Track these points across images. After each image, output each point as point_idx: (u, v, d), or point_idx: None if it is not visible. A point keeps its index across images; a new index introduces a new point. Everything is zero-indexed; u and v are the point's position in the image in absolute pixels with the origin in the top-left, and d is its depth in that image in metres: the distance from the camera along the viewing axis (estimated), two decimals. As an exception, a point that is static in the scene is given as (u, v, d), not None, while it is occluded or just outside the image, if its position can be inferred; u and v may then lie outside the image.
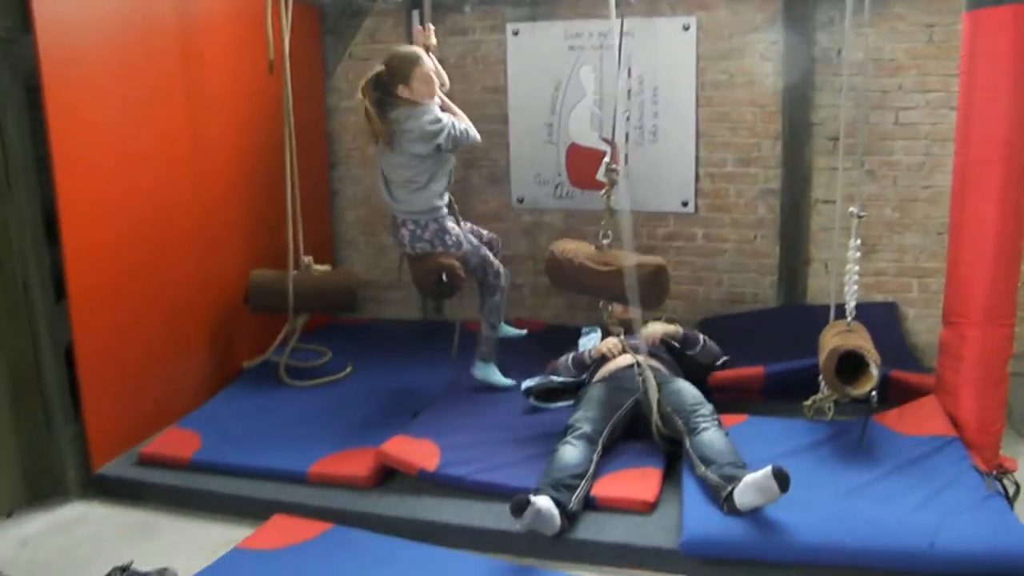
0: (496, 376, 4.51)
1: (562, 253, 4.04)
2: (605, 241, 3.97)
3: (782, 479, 3.05)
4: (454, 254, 4.26)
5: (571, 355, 4.32)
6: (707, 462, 3.37)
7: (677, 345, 4.36)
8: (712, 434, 3.52)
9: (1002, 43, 3.35)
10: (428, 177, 4.14)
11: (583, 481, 3.39)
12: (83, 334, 3.79)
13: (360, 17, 5.59)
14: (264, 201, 4.90)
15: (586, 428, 3.62)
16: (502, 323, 4.54)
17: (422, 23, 4.63)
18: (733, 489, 3.17)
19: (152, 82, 4.18)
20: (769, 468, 3.08)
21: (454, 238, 4.25)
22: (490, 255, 4.39)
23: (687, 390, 3.84)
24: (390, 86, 4.08)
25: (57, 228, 3.68)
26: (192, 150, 4.46)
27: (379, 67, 4.11)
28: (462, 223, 4.46)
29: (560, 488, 3.30)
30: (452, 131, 4.10)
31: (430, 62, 4.14)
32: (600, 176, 4.09)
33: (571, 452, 3.49)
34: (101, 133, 3.87)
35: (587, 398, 3.87)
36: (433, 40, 4.40)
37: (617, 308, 4.41)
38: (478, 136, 4.28)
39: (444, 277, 4.19)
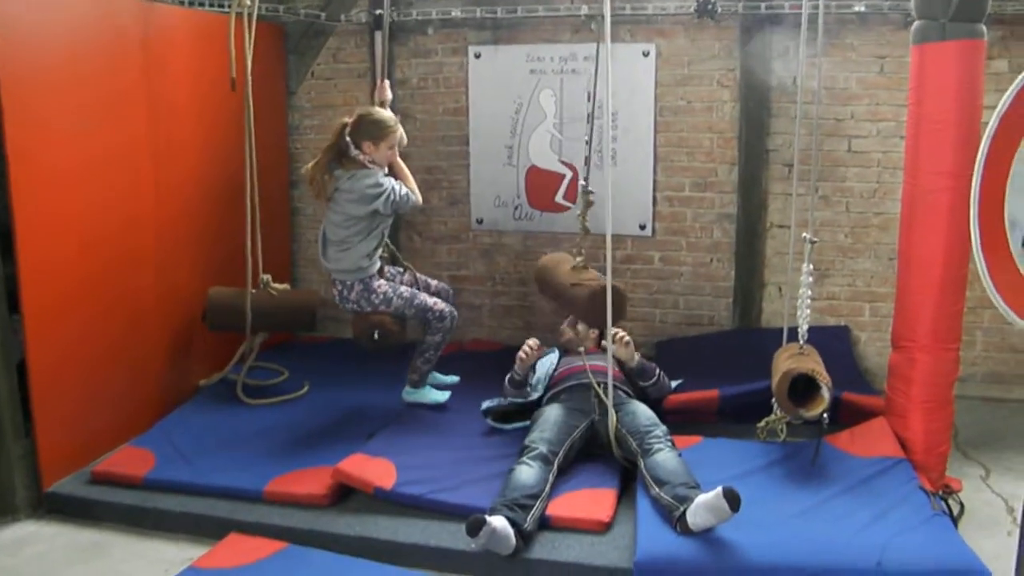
0: (428, 396, 4.52)
1: (550, 259, 4.33)
2: (579, 259, 4.10)
3: (732, 499, 3.10)
4: (385, 312, 4.31)
5: (507, 377, 4.33)
6: (660, 483, 3.41)
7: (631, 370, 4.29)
8: (665, 455, 3.56)
9: (947, 76, 3.46)
10: (359, 238, 4.18)
11: (538, 501, 3.41)
12: (36, 348, 3.74)
13: (323, 37, 5.61)
14: (224, 218, 4.88)
15: (542, 448, 3.64)
16: (428, 388, 4.54)
17: (384, 48, 4.70)
18: (685, 510, 3.21)
19: (113, 95, 4.16)
20: (720, 489, 3.13)
21: (380, 296, 4.28)
22: (429, 300, 4.37)
23: (641, 412, 3.88)
24: (354, 141, 4.10)
25: (12, 240, 3.64)
26: (152, 164, 4.44)
27: (346, 119, 4.17)
28: (405, 276, 4.53)
29: (515, 508, 3.32)
30: (392, 196, 4.14)
31: (402, 135, 4.23)
32: (579, 199, 4.18)
33: (527, 472, 3.51)
34: (60, 145, 3.85)
35: (543, 419, 3.89)
36: (388, 95, 4.48)
37: (566, 330, 4.48)
38: (419, 199, 4.32)
39: (376, 335, 4.28)
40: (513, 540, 3.21)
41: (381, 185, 4.11)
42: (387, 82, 4.53)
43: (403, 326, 4.42)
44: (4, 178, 3.59)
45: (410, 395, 4.52)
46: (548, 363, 4.43)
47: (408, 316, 4.40)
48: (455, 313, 4.44)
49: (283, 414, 4.57)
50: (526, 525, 3.29)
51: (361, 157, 4.11)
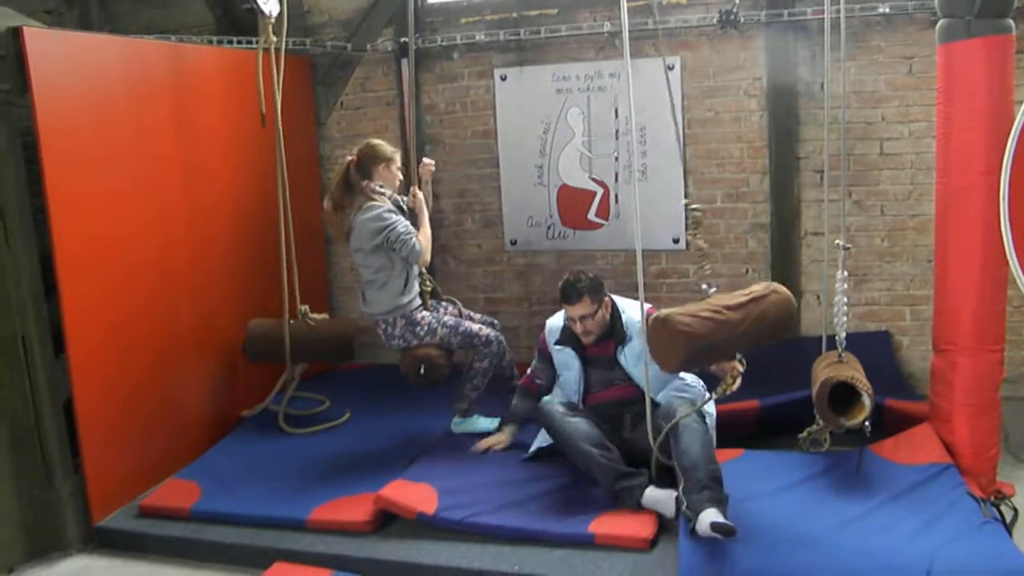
0: (477, 425, 4.49)
1: (681, 324, 3.32)
2: (712, 290, 3.61)
3: (722, 531, 3.15)
4: (431, 343, 4.35)
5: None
6: (685, 473, 3.42)
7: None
8: (689, 437, 3.51)
9: (976, 74, 3.42)
10: (386, 276, 4.25)
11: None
12: (82, 387, 3.82)
13: (350, 67, 5.69)
14: (260, 250, 4.95)
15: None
16: (476, 416, 4.52)
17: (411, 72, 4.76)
18: (694, 524, 3.27)
19: (146, 135, 4.26)
20: (708, 525, 3.17)
21: (425, 327, 4.34)
22: (474, 327, 4.41)
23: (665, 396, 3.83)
24: (364, 171, 4.25)
25: (55, 281, 3.73)
26: (186, 202, 4.53)
27: (349, 157, 4.31)
28: (449, 308, 4.58)
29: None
30: (390, 234, 4.16)
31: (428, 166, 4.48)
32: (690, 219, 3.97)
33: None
34: (96, 186, 3.94)
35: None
36: (431, 167, 4.54)
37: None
38: (425, 255, 4.24)
39: (423, 369, 4.32)
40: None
41: (383, 219, 4.17)
42: (429, 161, 4.58)
43: (450, 358, 4.45)
44: (45, 222, 3.69)
45: (459, 425, 4.51)
46: (574, 375, 4.08)
47: (454, 345, 4.42)
48: (502, 339, 4.48)
49: (325, 442, 4.61)
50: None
51: (372, 184, 4.23)
